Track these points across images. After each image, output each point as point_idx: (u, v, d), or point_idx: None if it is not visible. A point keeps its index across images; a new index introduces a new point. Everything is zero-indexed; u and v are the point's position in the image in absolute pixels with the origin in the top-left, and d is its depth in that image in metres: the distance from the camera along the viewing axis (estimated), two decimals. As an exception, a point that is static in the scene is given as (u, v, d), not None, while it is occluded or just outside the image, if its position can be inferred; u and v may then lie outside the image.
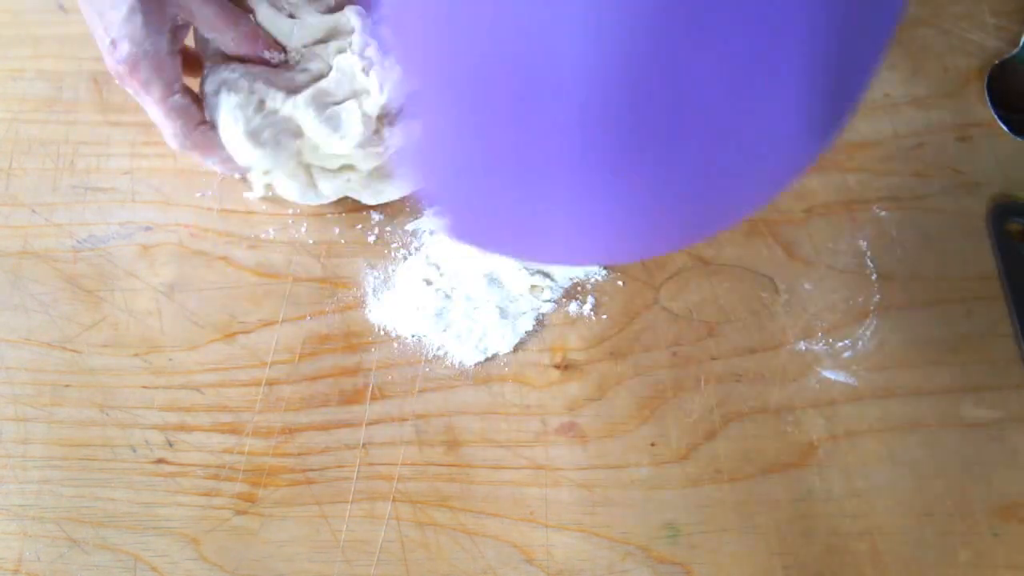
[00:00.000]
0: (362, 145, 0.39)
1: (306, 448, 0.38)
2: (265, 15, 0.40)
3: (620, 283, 0.41)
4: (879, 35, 0.26)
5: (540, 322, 0.41)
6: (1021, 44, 0.46)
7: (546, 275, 0.41)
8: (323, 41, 0.41)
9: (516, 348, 0.40)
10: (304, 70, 0.40)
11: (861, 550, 0.36)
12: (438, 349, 0.40)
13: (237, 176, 0.43)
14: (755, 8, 0.21)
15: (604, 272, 0.41)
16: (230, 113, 0.38)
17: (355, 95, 0.40)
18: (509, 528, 0.37)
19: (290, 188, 0.41)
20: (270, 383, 0.39)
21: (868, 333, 0.40)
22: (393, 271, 0.42)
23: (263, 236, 0.42)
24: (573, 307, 0.41)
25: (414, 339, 0.40)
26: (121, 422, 0.38)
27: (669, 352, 0.40)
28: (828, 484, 0.37)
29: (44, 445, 0.38)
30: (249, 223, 0.43)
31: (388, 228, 0.42)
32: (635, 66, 0.21)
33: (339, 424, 0.38)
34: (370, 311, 0.41)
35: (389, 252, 0.42)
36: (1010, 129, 0.44)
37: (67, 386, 0.39)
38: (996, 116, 0.45)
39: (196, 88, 0.41)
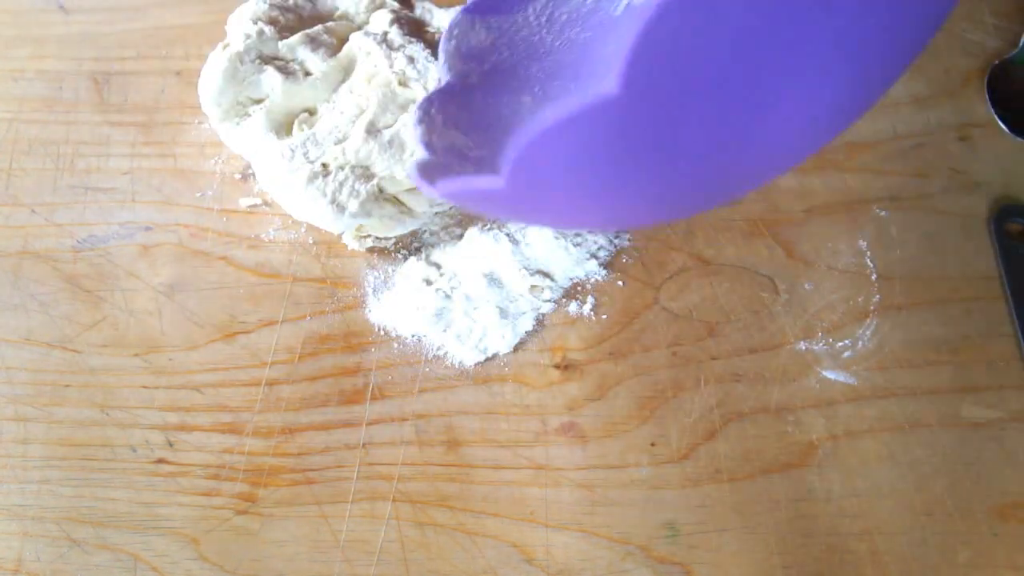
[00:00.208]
0: None
1: (306, 448, 0.38)
2: (287, 90, 0.41)
3: (620, 283, 0.41)
4: (921, 27, 0.27)
5: (540, 322, 0.41)
6: (1021, 44, 0.46)
7: (546, 275, 0.41)
8: (344, 79, 0.42)
9: (516, 348, 0.40)
10: (341, 113, 0.40)
11: (861, 550, 0.36)
12: (438, 349, 0.40)
13: (237, 176, 0.43)
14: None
15: (604, 272, 0.41)
16: (305, 193, 0.39)
17: (403, 109, 0.40)
18: (509, 528, 0.37)
19: (385, 226, 0.41)
20: (270, 383, 0.39)
21: (868, 333, 0.40)
22: (393, 271, 0.42)
23: (263, 236, 0.42)
24: (573, 307, 0.41)
25: (414, 339, 0.40)
26: (121, 422, 0.38)
27: (669, 352, 0.40)
28: (828, 484, 0.37)
29: (44, 445, 0.38)
30: (249, 223, 0.43)
31: (388, 228, 0.42)
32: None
33: (339, 424, 0.38)
34: (370, 311, 0.41)
35: (389, 252, 0.42)
36: (1010, 129, 0.44)
37: (67, 386, 0.39)
38: (996, 116, 0.45)
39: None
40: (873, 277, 0.41)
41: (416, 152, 0.36)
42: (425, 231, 0.43)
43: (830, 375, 0.39)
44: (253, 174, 0.43)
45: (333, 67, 0.41)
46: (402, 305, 0.40)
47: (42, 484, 0.37)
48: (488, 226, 0.41)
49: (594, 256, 0.41)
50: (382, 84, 0.40)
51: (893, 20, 0.25)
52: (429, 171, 0.32)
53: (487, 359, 0.40)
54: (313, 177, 0.39)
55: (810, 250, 0.42)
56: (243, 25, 0.42)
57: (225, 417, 0.38)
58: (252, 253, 0.42)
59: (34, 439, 0.38)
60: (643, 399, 0.39)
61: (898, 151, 0.44)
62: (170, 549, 0.36)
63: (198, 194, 0.43)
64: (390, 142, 0.39)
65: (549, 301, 0.41)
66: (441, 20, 0.44)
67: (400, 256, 0.42)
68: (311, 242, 0.42)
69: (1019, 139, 0.44)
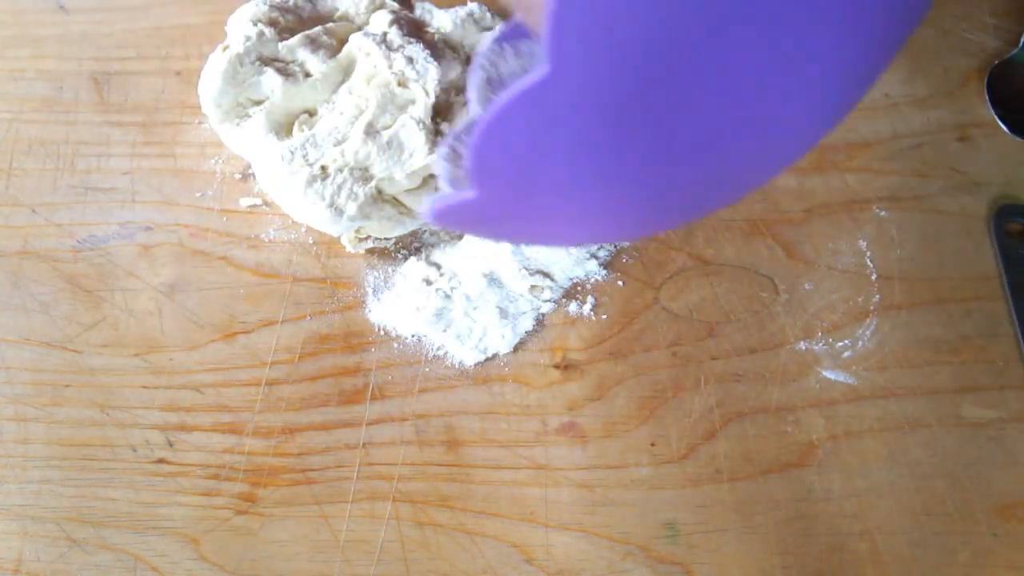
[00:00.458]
0: (432, 150, 0.39)
1: (306, 448, 0.38)
2: (287, 91, 0.41)
3: (620, 283, 0.41)
4: (901, 26, 0.26)
5: (540, 322, 0.41)
6: (1021, 44, 0.46)
7: (546, 275, 0.41)
8: (344, 80, 0.42)
9: (516, 348, 0.40)
10: (341, 114, 0.40)
11: (861, 550, 0.36)
12: (438, 349, 0.40)
13: (237, 176, 0.43)
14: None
15: (604, 272, 0.41)
16: (304, 196, 0.39)
17: (402, 110, 0.40)
18: (509, 528, 0.37)
19: (384, 228, 0.41)
20: (270, 383, 0.39)
21: (868, 333, 0.40)
22: (393, 271, 0.42)
23: (263, 236, 0.42)
24: (573, 307, 0.41)
25: (414, 339, 0.40)
26: (121, 422, 0.38)
27: (669, 352, 0.40)
28: (828, 484, 0.37)
29: (44, 445, 0.38)
30: (249, 223, 0.43)
31: (388, 228, 0.42)
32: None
33: (339, 424, 0.38)
34: (370, 311, 0.41)
35: (389, 252, 0.42)
36: (1010, 129, 0.44)
37: (67, 386, 0.39)
38: (996, 116, 0.45)
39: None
40: (873, 277, 0.41)
41: (442, 188, 0.35)
42: (425, 231, 0.43)
43: (830, 375, 0.39)
44: (253, 174, 0.43)
45: (333, 68, 0.42)
46: (402, 305, 0.40)
47: (42, 484, 0.37)
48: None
49: (594, 256, 0.41)
50: (381, 85, 0.40)
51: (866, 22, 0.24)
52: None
53: (487, 359, 0.40)
54: (312, 180, 0.39)
55: (810, 250, 0.42)
56: (243, 27, 0.42)
57: (225, 417, 0.38)
58: (252, 253, 0.42)
59: (34, 439, 0.38)
60: (643, 399, 0.39)
61: (898, 151, 0.44)
62: (170, 549, 0.36)
63: (198, 194, 0.43)
64: (389, 143, 0.39)
65: (549, 301, 0.41)
66: (441, 20, 0.44)
67: (400, 256, 0.42)
68: (311, 242, 0.42)
69: (1019, 139, 0.44)
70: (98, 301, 0.41)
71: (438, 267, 0.41)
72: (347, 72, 0.42)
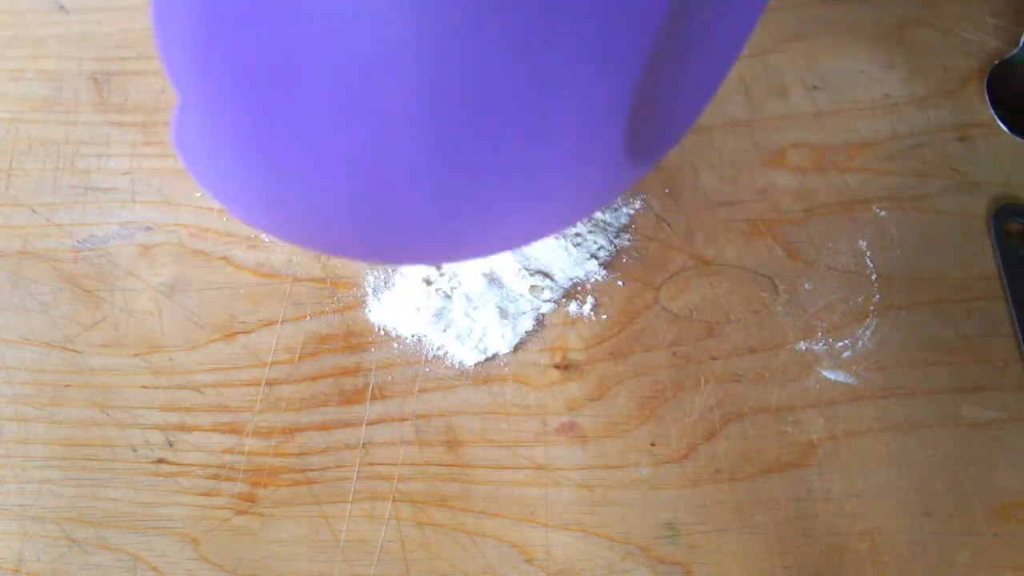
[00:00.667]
0: None
1: (306, 448, 0.38)
2: None
3: (620, 283, 0.41)
4: (708, 81, 0.26)
5: (540, 322, 0.41)
6: (1021, 44, 0.46)
7: (546, 275, 0.41)
8: None
9: (516, 348, 0.40)
10: None
11: (861, 550, 0.36)
12: (438, 349, 0.40)
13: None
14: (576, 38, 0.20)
15: (604, 272, 0.41)
16: None
17: None
18: (509, 528, 0.37)
19: None
20: (270, 383, 0.39)
21: (868, 333, 0.40)
22: (393, 271, 0.42)
23: (263, 236, 0.42)
24: (573, 307, 0.41)
25: (414, 339, 0.40)
26: (121, 422, 0.38)
27: (669, 352, 0.40)
28: (828, 484, 0.37)
29: (44, 445, 0.38)
30: (249, 223, 0.43)
31: (388, 228, 0.42)
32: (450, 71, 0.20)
33: (339, 424, 0.38)
34: (370, 311, 0.41)
35: (389, 252, 0.42)
36: (1010, 129, 0.44)
37: (67, 386, 0.39)
38: (996, 116, 0.45)
39: None
40: (873, 277, 0.41)
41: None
42: (425, 231, 0.43)
43: (830, 375, 0.39)
44: (253, 174, 0.43)
45: None
46: (402, 305, 0.40)
47: (42, 484, 0.37)
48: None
49: (594, 256, 0.41)
50: None
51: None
52: None
53: (487, 359, 0.40)
54: None
55: (810, 250, 0.42)
56: None
57: (225, 417, 0.38)
58: (252, 253, 0.42)
59: (34, 439, 0.38)
60: (643, 399, 0.39)
61: (898, 151, 0.44)
62: (170, 549, 0.36)
63: (198, 194, 0.43)
64: None
65: (549, 301, 0.41)
66: None
67: (400, 256, 0.42)
68: (311, 242, 0.42)
69: (1019, 139, 0.44)
70: (98, 301, 0.41)
71: (438, 267, 0.41)
72: None
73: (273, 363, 0.40)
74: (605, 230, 0.42)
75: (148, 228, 0.43)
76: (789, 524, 0.37)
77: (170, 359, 0.40)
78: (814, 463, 0.38)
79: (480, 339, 0.40)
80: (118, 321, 0.40)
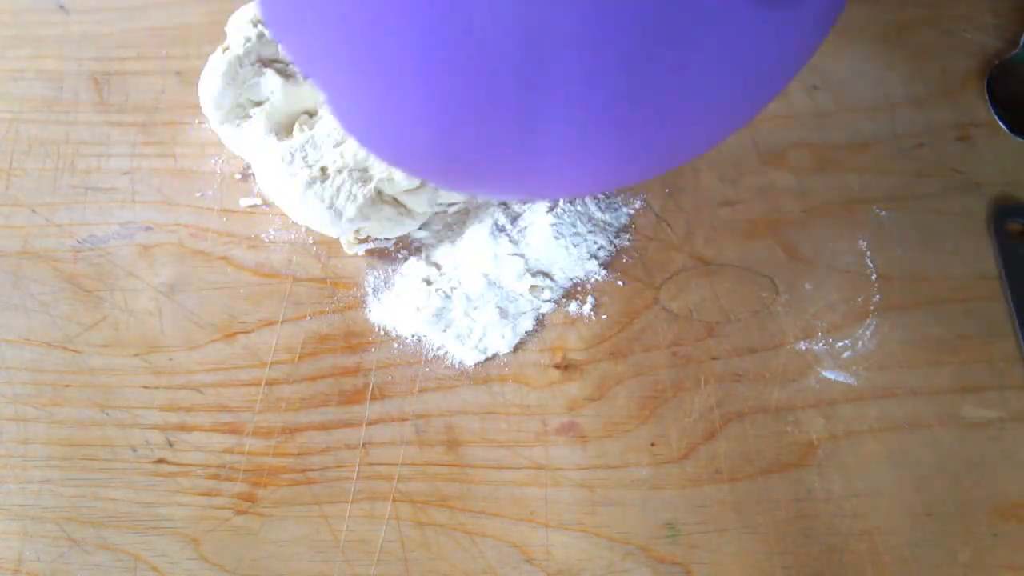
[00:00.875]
0: None
1: (306, 448, 0.38)
2: (287, 93, 0.41)
3: (620, 283, 0.41)
4: None
5: (540, 322, 0.41)
6: (1021, 44, 0.46)
7: (546, 275, 0.41)
8: None
9: (516, 348, 0.40)
10: None
11: (861, 550, 0.36)
12: (438, 349, 0.40)
13: (237, 176, 0.43)
14: None
15: (604, 272, 0.41)
16: (303, 198, 0.39)
17: None
18: (509, 528, 0.37)
19: (384, 228, 0.40)
20: (270, 383, 0.39)
21: (868, 333, 0.40)
22: (393, 271, 0.42)
23: (263, 236, 0.42)
24: (573, 307, 0.41)
25: (414, 339, 0.40)
26: (121, 422, 0.38)
27: (669, 352, 0.40)
28: (828, 484, 0.37)
29: (44, 445, 0.38)
30: (249, 223, 0.43)
31: (388, 228, 0.42)
32: None
33: (339, 424, 0.38)
34: (370, 311, 0.41)
35: (389, 252, 0.42)
36: (1010, 129, 0.44)
37: (67, 386, 0.39)
38: (996, 116, 0.45)
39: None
40: (873, 277, 0.41)
41: None
42: (425, 231, 0.43)
43: (830, 375, 0.39)
44: (253, 174, 0.43)
45: None
46: (402, 305, 0.40)
47: (42, 484, 0.37)
48: (488, 225, 0.41)
49: (594, 256, 0.41)
50: None
51: None
52: None
53: (487, 359, 0.40)
54: (311, 182, 0.39)
55: (810, 250, 0.42)
56: (243, 28, 0.42)
57: (225, 417, 0.38)
58: (252, 253, 0.42)
59: (34, 439, 0.38)
60: (643, 399, 0.39)
61: (898, 151, 0.44)
62: (170, 549, 0.36)
63: (198, 194, 0.43)
64: None
65: (549, 301, 0.41)
66: None
67: (400, 256, 0.42)
68: (311, 242, 0.42)
69: (1019, 139, 0.44)
70: (98, 301, 0.41)
71: (438, 267, 0.41)
72: None
73: (273, 363, 0.40)
74: (605, 230, 0.42)
75: (148, 228, 0.43)
76: (789, 524, 0.37)
77: (170, 359, 0.40)
78: (814, 463, 0.38)
79: (480, 339, 0.40)
80: (118, 321, 0.40)
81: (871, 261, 0.42)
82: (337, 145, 0.40)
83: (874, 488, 0.37)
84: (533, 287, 0.40)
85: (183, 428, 0.38)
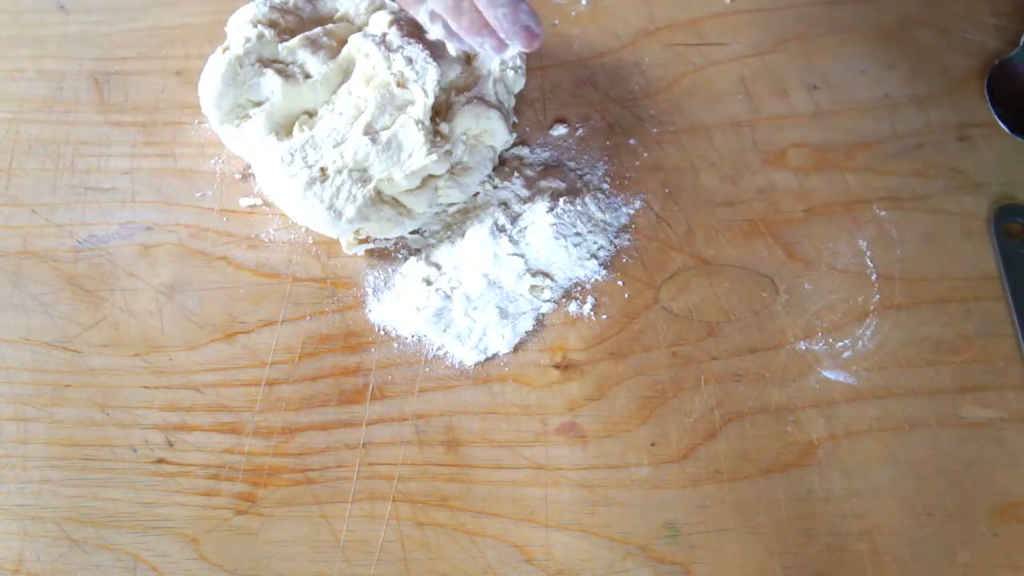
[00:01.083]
0: (431, 150, 0.39)
1: (306, 448, 0.38)
2: (287, 93, 0.41)
3: (620, 283, 0.41)
4: None
5: (540, 322, 0.41)
6: (1021, 44, 0.46)
7: (546, 275, 0.41)
8: (343, 81, 0.42)
9: (516, 348, 0.40)
10: (340, 115, 0.40)
11: (861, 550, 0.36)
12: (438, 349, 0.40)
13: (237, 176, 0.43)
14: None
15: (604, 272, 0.41)
16: (303, 198, 0.39)
17: (401, 111, 0.40)
18: (509, 528, 0.37)
19: (384, 229, 0.41)
20: (270, 383, 0.39)
21: (868, 333, 0.40)
22: (393, 271, 0.42)
23: (263, 236, 0.42)
24: (573, 307, 0.41)
25: (414, 339, 0.40)
26: (121, 422, 0.38)
27: (669, 352, 0.40)
28: (828, 484, 0.37)
29: (44, 445, 0.38)
30: (249, 223, 0.43)
31: (388, 228, 0.42)
32: None
33: (339, 424, 0.38)
34: (370, 311, 0.41)
35: (389, 252, 0.42)
36: (1010, 129, 0.44)
37: (67, 386, 0.39)
38: (996, 116, 0.45)
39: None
40: (873, 277, 0.41)
41: None
42: (425, 231, 0.43)
43: (830, 375, 0.39)
44: (253, 174, 0.43)
45: (333, 69, 0.42)
46: (402, 305, 0.40)
47: (42, 484, 0.37)
48: (488, 225, 0.41)
49: (594, 256, 0.41)
50: (380, 85, 0.40)
51: None
52: None
53: (487, 359, 0.40)
54: (311, 182, 0.39)
55: (810, 250, 0.42)
56: (243, 28, 0.42)
57: (225, 417, 0.38)
58: (252, 253, 0.42)
59: (34, 439, 0.38)
60: (643, 399, 0.39)
61: (898, 151, 0.44)
62: (170, 549, 0.36)
63: (198, 194, 0.43)
64: (388, 144, 0.39)
65: (549, 301, 0.41)
66: None
67: (400, 256, 0.42)
68: (311, 242, 0.42)
69: (1019, 139, 0.44)
70: (98, 301, 0.41)
71: (438, 267, 0.41)
72: (347, 73, 0.42)
73: (273, 363, 0.40)
74: (605, 230, 0.42)
75: (148, 228, 0.43)
76: (789, 524, 0.37)
77: (170, 359, 0.40)
78: (814, 463, 0.38)
79: (480, 339, 0.40)
80: (118, 321, 0.40)
81: (871, 261, 0.42)
82: (337, 145, 0.40)
83: (874, 488, 0.37)
84: (533, 287, 0.40)
85: (183, 428, 0.38)
